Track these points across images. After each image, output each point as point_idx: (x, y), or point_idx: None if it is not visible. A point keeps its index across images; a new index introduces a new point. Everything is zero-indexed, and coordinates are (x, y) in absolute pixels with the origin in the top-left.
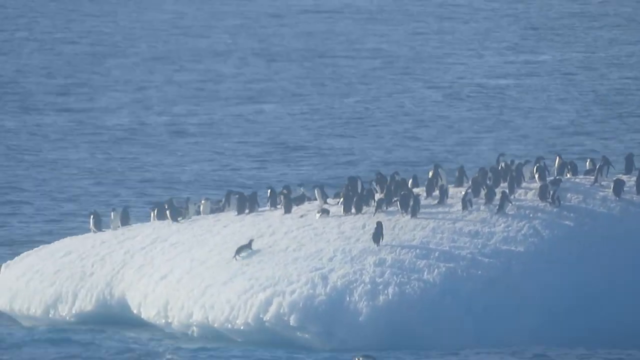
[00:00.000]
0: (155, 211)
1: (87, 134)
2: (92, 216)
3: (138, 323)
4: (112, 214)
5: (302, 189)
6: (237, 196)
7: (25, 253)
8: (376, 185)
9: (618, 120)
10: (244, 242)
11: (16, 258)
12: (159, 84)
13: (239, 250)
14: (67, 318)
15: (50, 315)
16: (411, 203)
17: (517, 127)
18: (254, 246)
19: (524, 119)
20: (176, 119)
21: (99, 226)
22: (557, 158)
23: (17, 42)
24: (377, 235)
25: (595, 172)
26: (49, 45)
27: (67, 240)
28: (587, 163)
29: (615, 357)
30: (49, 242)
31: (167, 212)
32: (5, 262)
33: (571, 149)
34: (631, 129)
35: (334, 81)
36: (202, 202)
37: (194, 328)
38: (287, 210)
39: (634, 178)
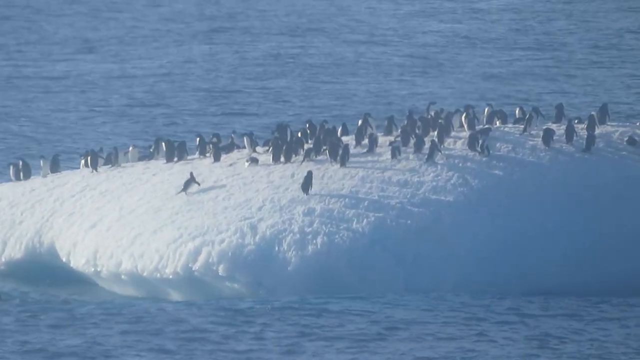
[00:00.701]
0: (89, 159)
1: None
2: (11, 166)
3: (67, 271)
4: (41, 161)
5: (232, 135)
6: (165, 143)
7: None
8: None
9: (557, 69)
10: (180, 184)
11: None
12: None
13: (186, 185)
14: None
15: None
16: (340, 152)
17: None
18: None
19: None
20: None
21: (19, 176)
22: (487, 107)
23: None
24: (306, 184)
25: (525, 121)
26: None
27: None
28: (517, 111)
29: (542, 303)
30: None
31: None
32: None
33: (504, 99)
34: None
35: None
36: (130, 149)
37: (123, 277)
38: (216, 158)
39: (564, 127)
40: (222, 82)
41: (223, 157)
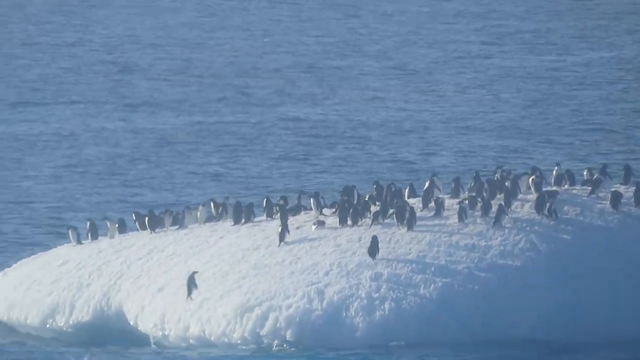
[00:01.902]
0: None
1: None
2: (70, 230)
3: (135, 335)
4: (108, 223)
5: (300, 196)
6: (233, 204)
7: (23, 260)
8: (374, 193)
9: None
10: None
11: (13, 265)
12: None
13: (189, 289)
14: (65, 328)
15: (47, 326)
16: (407, 215)
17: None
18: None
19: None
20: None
21: (79, 239)
22: (556, 167)
23: None
24: (373, 249)
25: (592, 183)
26: None
27: (64, 249)
28: (585, 173)
29: None
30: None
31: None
32: (2, 269)
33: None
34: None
35: None
36: (200, 207)
37: (191, 341)
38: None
39: (632, 189)
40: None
41: (290, 219)
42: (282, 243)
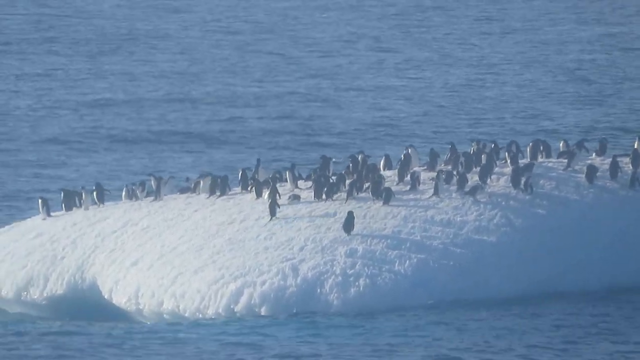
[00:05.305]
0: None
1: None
2: (40, 201)
3: (109, 308)
4: (83, 193)
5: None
6: (209, 178)
7: None
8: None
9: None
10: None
11: None
12: None
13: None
14: (39, 301)
15: (22, 298)
16: (383, 189)
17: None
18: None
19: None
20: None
21: (48, 211)
22: (531, 142)
23: None
24: (348, 224)
25: (568, 155)
26: None
27: (38, 221)
28: (561, 145)
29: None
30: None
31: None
32: None
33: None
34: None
35: None
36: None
37: (165, 316)
38: (258, 194)
39: (608, 160)
40: None
41: (265, 192)
42: (273, 218)
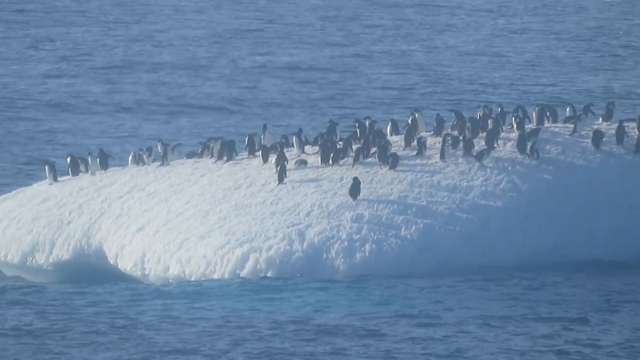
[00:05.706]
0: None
1: None
2: (47, 166)
3: (115, 274)
4: (89, 158)
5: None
6: (218, 142)
7: (2, 197)
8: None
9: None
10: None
11: None
12: None
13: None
14: (45, 267)
15: (27, 264)
16: (389, 155)
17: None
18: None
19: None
20: None
21: (55, 176)
22: (537, 107)
23: None
24: (355, 190)
25: (575, 121)
26: None
27: (44, 186)
28: (568, 110)
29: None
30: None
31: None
32: None
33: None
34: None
35: None
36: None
37: (171, 282)
38: (265, 160)
39: (615, 125)
40: None
41: (272, 157)
42: (280, 183)
